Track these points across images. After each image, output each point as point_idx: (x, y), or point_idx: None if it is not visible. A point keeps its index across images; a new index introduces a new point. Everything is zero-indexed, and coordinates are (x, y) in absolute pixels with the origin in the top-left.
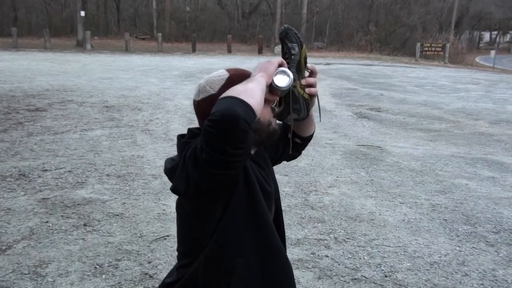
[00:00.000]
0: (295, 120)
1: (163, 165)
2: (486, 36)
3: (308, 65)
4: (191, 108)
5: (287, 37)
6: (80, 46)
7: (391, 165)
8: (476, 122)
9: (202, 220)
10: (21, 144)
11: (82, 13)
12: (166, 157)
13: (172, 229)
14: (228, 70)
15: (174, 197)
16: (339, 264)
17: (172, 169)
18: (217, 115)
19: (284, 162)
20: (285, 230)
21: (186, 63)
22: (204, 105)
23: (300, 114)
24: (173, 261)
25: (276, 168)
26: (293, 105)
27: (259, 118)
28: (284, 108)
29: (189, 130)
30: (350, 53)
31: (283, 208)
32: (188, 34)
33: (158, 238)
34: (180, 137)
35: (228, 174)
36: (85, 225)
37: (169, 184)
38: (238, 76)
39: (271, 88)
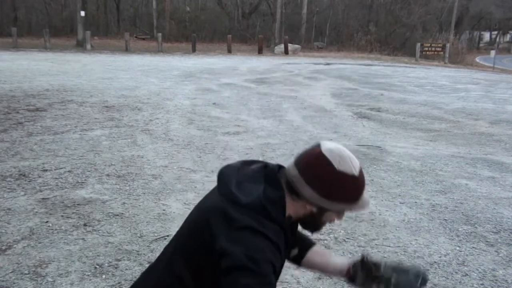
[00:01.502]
0: None
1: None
2: (486, 36)
3: None
4: (191, 108)
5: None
6: (80, 46)
7: (391, 165)
8: (476, 122)
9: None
10: (21, 144)
11: (82, 13)
12: (165, 158)
13: (172, 229)
14: (361, 172)
15: (174, 197)
16: None
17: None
18: None
19: (285, 162)
20: None
21: (186, 63)
22: (319, 161)
23: None
24: None
25: None
26: None
27: (324, 215)
28: None
29: (273, 172)
30: (350, 53)
31: None
32: (188, 34)
33: (158, 238)
34: (238, 203)
35: None
36: (85, 225)
37: (169, 183)
38: (355, 185)
39: None
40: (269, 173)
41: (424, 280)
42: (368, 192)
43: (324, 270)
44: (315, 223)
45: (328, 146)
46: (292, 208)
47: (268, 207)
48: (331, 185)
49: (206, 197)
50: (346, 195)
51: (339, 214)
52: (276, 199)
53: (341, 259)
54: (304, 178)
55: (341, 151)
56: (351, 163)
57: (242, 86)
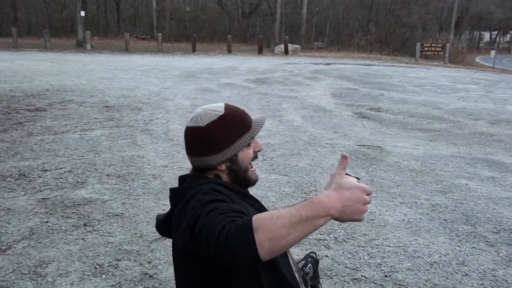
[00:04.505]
0: None
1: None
2: (486, 36)
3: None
4: (191, 108)
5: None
6: (80, 46)
7: (391, 165)
8: (476, 122)
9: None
10: (21, 144)
11: (82, 13)
12: (165, 158)
13: None
14: (226, 107)
15: None
16: (339, 264)
17: (165, 219)
18: (220, 245)
19: (285, 162)
20: None
21: (186, 63)
22: (190, 134)
23: None
24: None
25: (276, 168)
26: None
27: (238, 161)
28: None
29: (180, 178)
30: (350, 53)
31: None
32: (188, 34)
33: (158, 238)
34: (171, 190)
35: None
36: (85, 225)
37: (169, 183)
38: (232, 117)
39: None
40: (171, 195)
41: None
42: (256, 114)
43: None
44: (240, 173)
45: (189, 119)
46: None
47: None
48: (213, 139)
49: None
50: (232, 132)
51: (248, 148)
52: (186, 185)
53: None
54: (198, 155)
55: (197, 112)
56: (211, 111)
57: (242, 86)
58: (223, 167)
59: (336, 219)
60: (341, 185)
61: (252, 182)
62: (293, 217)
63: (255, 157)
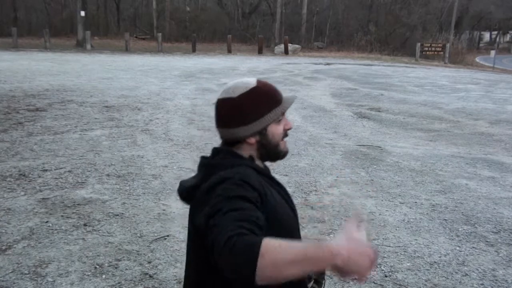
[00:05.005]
0: None
1: (179, 184)
2: (486, 36)
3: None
4: (191, 108)
5: None
6: (80, 46)
7: (391, 165)
8: (476, 122)
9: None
10: (21, 144)
11: (82, 13)
12: (165, 158)
13: (172, 229)
14: (258, 82)
15: (174, 197)
16: None
17: (192, 187)
18: (224, 254)
19: (285, 162)
20: None
21: (186, 63)
22: (221, 106)
23: None
24: (173, 261)
25: (276, 168)
26: None
27: (268, 135)
28: None
29: (214, 149)
30: (350, 53)
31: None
32: (188, 34)
33: (158, 238)
34: (203, 158)
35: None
36: (85, 225)
37: (169, 183)
38: (264, 91)
39: None
40: (202, 164)
41: None
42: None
43: None
44: (271, 147)
45: (220, 93)
46: (246, 152)
47: (222, 164)
48: (244, 110)
49: None
50: (263, 105)
51: (278, 124)
52: (219, 161)
53: None
54: (228, 127)
55: (229, 84)
56: (242, 84)
57: None
58: (253, 140)
59: (339, 269)
60: (351, 238)
61: (283, 154)
62: (300, 255)
63: (285, 135)
